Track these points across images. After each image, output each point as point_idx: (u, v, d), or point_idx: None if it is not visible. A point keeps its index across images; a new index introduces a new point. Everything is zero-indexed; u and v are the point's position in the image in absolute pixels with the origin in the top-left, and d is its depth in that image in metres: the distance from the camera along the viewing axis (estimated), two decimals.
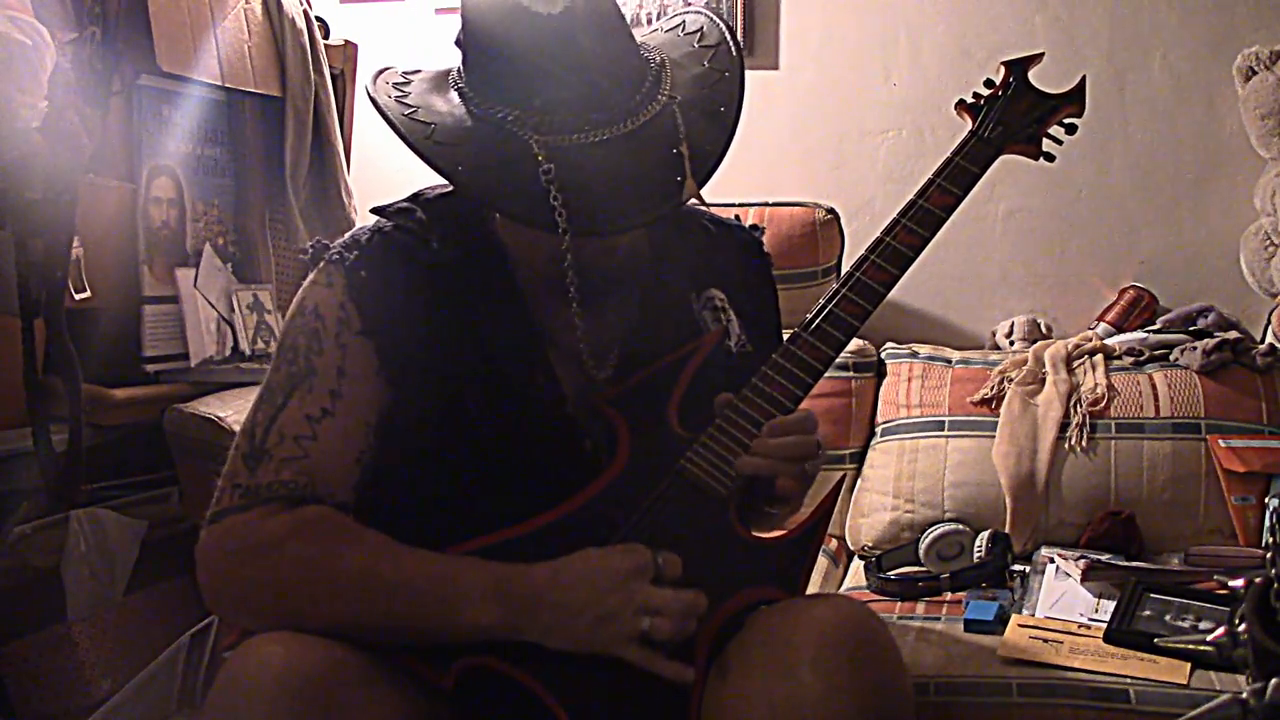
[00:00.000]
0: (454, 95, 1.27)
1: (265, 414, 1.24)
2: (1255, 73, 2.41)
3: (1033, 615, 1.76)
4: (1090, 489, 2.05)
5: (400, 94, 1.28)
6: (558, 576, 1.16)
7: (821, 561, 2.14)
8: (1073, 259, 2.58)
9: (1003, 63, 1.44)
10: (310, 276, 1.31)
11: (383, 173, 2.03)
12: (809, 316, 1.32)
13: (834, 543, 2.25)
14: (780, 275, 1.55)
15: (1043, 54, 1.44)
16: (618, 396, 1.33)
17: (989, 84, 1.44)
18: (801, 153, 2.65)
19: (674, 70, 1.29)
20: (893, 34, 2.61)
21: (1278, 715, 0.91)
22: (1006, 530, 2.02)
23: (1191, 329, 2.30)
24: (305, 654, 1.10)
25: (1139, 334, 2.32)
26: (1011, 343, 2.46)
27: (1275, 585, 0.99)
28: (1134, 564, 1.89)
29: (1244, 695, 0.93)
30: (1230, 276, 2.47)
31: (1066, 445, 2.08)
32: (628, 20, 1.30)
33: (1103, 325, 2.43)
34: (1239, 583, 1.77)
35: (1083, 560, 1.84)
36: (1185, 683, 1.53)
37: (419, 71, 1.33)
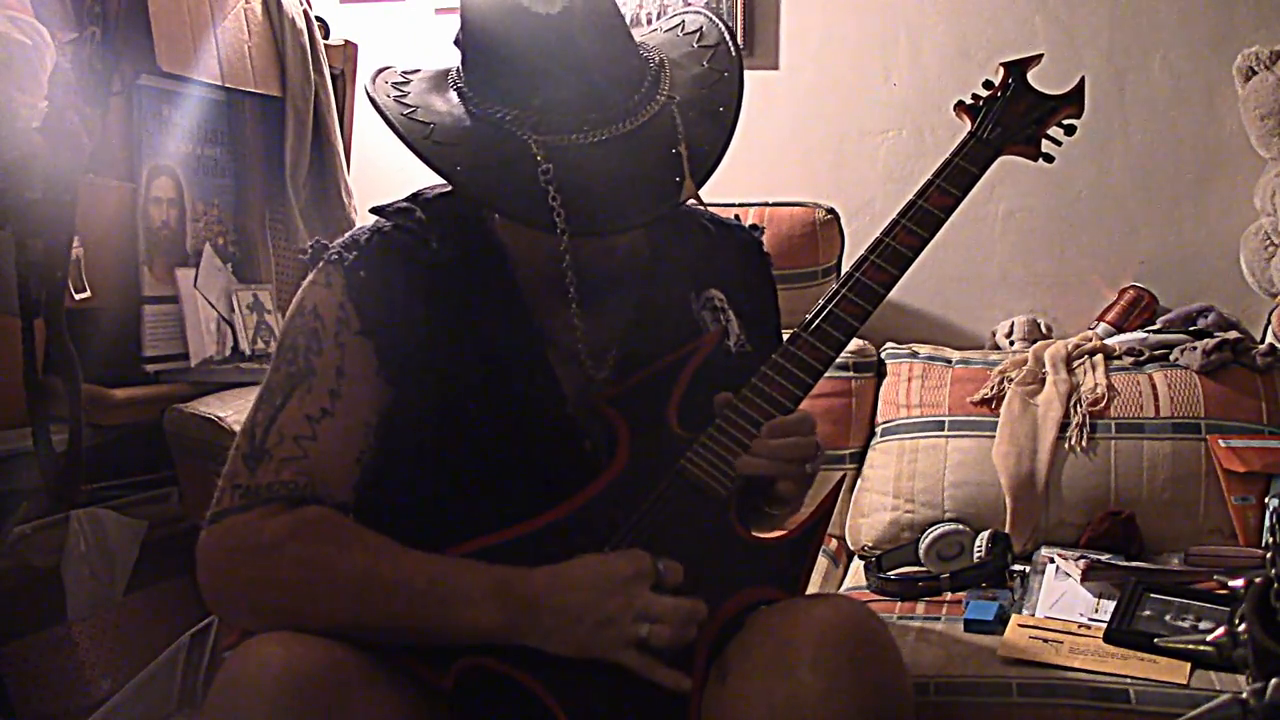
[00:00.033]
0: (453, 95, 1.27)
1: (265, 414, 1.24)
2: (1255, 73, 2.41)
3: (1033, 615, 1.76)
4: (1090, 489, 2.05)
5: (399, 94, 1.28)
6: (558, 580, 1.16)
7: (821, 561, 2.14)
8: (1073, 259, 2.57)
9: (1001, 64, 1.44)
10: (310, 276, 1.31)
11: (383, 173, 2.03)
12: (809, 317, 1.32)
13: (834, 543, 2.25)
14: (780, 275, 1.55)
15: (1041, 55, 1.45)
16: (617, 397, 1.32)
17: (988, 85, 1.44)
18: (801, 153, 2.65)
19: (673, 70, 1.29)
20: (893, 34, 2.61)
21: (1278, 715, 0.91)
22: (1006, 530, 2.02)
23: (1191, 329, 2.29)
24: (305, 654, 1.10)
25: (1139, 334, 2.32)
26: (1011, 343, 2.46)
27: (1275, 585, 0.99)
28: (1134, 564, 1.89)
29: (1244, 695, 0.94)
30: (1230, 276, 2.47)
31: (1066, 445, 2.08)
32: (627, 20, 1.30)
33: (1103, 325, 2.43)
34: (1239, 583, 1.77)
35: (1083, 560, 1.84)
36: (1185, 683, 1.53)
37: (418, 71, 1.33)
